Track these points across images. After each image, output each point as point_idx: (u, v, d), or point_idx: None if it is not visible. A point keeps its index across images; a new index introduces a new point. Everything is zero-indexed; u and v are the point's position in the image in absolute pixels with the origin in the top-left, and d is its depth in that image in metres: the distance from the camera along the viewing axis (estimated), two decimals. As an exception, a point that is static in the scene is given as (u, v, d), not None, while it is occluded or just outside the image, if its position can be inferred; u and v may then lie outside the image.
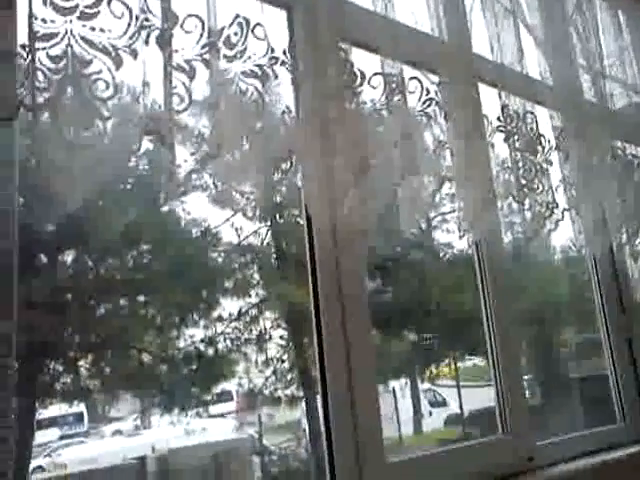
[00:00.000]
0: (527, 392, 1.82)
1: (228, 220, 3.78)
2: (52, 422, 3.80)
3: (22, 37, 0.88)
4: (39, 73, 0.87)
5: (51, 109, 0.89)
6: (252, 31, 1.15)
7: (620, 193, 1.88)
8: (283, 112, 1.22)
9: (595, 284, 2.15)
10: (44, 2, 0.89)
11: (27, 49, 0.87)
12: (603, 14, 2.08)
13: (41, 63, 0.88)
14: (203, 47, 1.08)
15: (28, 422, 3.10)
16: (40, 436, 3.62)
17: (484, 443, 1.65)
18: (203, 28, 1.09)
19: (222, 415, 4.20)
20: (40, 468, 3.55)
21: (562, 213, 1.69)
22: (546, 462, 1.68)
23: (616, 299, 2.14)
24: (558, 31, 1.86)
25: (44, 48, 0.88)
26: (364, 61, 1.36)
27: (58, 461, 3.63)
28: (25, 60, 0.87)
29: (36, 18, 0.88)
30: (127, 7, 0.98)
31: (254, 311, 3.97)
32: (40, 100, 0.87)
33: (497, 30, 1.70)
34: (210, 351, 3.80)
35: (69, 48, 0.91)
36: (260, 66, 1.16)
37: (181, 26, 1.07)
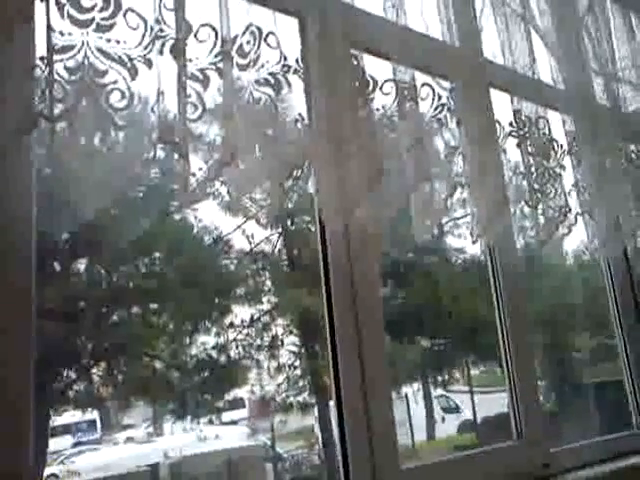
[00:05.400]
0: (541, 398, 1.81)
1: (240, 227, 3.80)
2: (65, 429, 3.83)
3: (40, 50, 0.90)
4: (56, 84, 0.88)
5: (68, 119, 0.90)
6: (265, 40, 1.16)
7: (634, 196, 1.87)
8: (296, 120, 1.23)
9: (609, 288, 2.14)
10: (61, 15, 0.91)
11: (45, 61, 0.89)
12: (615, 17, 2.07)
13: (58, 75, 0.89)
14: (216, 56, 1.09)
15: (42, 429, 3.12)
16: (54, 443, 3.64)
17: (498, 449, 1.63)
18: (216, 37, 1.10)
19: (234, 422, 4.21)
20: (54, 475, 3.57)
21: (575, 217, 1.68)
22: (561, 469, 1.66)
23: (631, 304, 2.12)
24: (570, 35, 1.86)
25: (61, 60, 0.90)
26: (376, 68, 1.36)
27: (72, 468, 3.65)
28: (43, 72, 0.89)
29: (54, 31, 0.90)
30: (142, 18, 1.00)
31: (266, 318, 3.98)
32: (57, 111, 0.89)
33: (508, 35, 1.70)
34: (222, 358, 3.81)
35: (85, 59, 0.92)
36: (273, 74, 1.16)
37: (195, 36, 1.08)
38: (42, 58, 0.89)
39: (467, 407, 4.86)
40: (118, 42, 0.96)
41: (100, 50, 0.94)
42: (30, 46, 0.93)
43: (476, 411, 4.75)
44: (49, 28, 0.89)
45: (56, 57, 0.89)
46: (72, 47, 0.91)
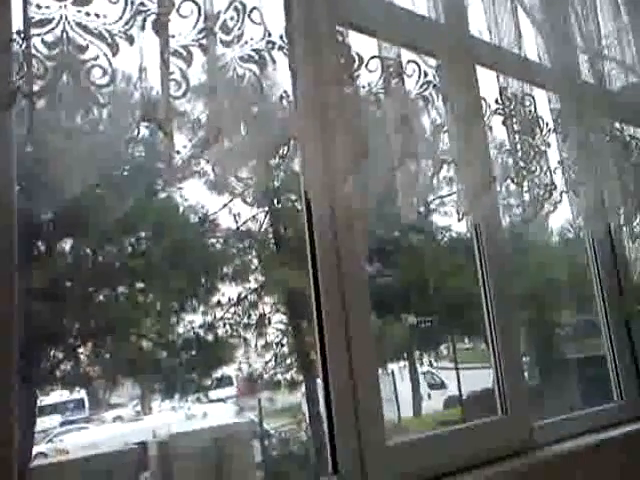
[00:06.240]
0: (526, 373, 1.83)
1: (226, 206, 3.78)
2: (53, 409, 3.82)
3: (17, 23, 0.87)
4: (35, 60, 0.86)
5: (48, 96, 0.88)
6: (249, 15, 1.14)
7: (618, 174, 1.88)
8: (281, 97, 1.21)
9: (593, 265, 2.16)
10: (38, -13, 0.88)
11: (22, 35, 0.86)
12: (602, -6, 2.07)
13: (36, 49, 0.87)
14: (200, 32, 1.07)
15: (29, 409, 3.12)
16: (42, 422, 3.64)
17: (483, 424, 1.66)
18: (199, 13, 1.08)
19: (222, 400, 4.23)
20: (42, 454, 3.58)
21: (560, 195, 1.69)
22: (544, 442, 1.70)
23: (614, 280, 2.15)
24: (556, 12, 1.85)
25: (39, 34, 0.87)
26: (361, 44, 1.35)
27: (60, 447, 3.65)
28: (20, 46, 0.86)
29: (30, 4, 0.87)
30: (122, -8, 0.97)
31: (253, 296, 3.98)
32: (36, 87, 0.87)
33: (495, 12, 1.69)
34: (210, 336, 3.81)
35: (64, 34, 0.90)
36: (257, 51, 1.15)
37: (177, 11, 1.05)
38: (19, 32, 0.86)
39: (453, 383, 4.91)
40: (98, 16, 0.94)
41: (79, 25, 0.92)
42: (8, 22, 0.91)
43: (462, 387, 4.81)
44: (25, 0, 0.87)
45: (33, 31, 0.86)
46: (50, 21, 0.89)
